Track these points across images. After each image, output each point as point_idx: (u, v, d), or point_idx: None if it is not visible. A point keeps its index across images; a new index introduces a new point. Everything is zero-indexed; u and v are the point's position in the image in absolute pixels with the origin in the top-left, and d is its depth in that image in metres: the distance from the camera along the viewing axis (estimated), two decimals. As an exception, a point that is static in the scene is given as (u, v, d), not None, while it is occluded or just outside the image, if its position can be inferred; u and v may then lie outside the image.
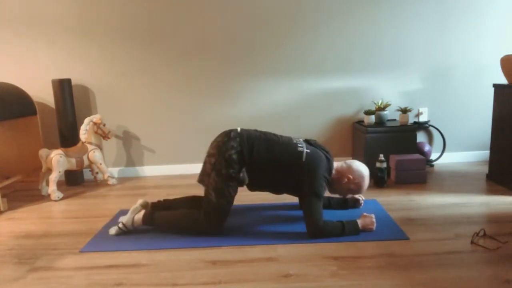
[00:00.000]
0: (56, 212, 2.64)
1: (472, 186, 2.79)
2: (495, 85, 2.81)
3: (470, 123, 3.45)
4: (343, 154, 3.47)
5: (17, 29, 3.22)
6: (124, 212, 2.52)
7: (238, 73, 3.33)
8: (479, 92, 3.40)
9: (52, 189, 2.86)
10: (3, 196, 2.92)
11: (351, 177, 2.19)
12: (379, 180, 2.86)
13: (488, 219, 2.22)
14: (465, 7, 3.26)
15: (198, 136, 3.43)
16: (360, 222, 2.09)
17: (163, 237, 2.12)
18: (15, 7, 3.19)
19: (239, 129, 2.15)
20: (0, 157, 3.24)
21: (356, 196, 2.48)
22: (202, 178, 2.15)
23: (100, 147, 3.19)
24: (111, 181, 3.21)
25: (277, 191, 2.22)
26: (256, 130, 2.20)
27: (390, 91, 3.39)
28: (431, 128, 3.45)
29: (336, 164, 2.24)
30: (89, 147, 3.11)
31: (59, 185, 3.27)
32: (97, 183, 3.28)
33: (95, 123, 3.15)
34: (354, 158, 3.39)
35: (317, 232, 2.01)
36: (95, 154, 3.10)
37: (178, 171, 3.48)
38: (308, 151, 2.12)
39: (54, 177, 2.86)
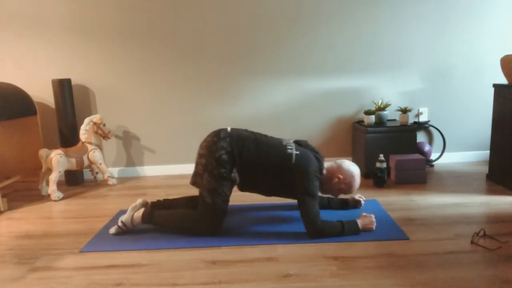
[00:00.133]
0: (56, 212, 2.64)
1: (472, 186, 2.79)
2: (495, 85, 2.81)
3: (470, 123, 3.45)
4: (343, 154, 3.47)
5: (17, 29, 3.22)
6: (124, 212, 2.53)
7: (238, 73, 3.33)
8: (479, 92, 3.40)
9: (52, 189, 2.86)
10: (3, 196, 2.93)
11: (341, 176, 2.17)
12: (379, 180, 2.85)
13: (488, 219, 2.22)
14: (465, 7, 3.26)
15: (198, 136, 3.43)
16: (359, 222, 2.09)
17: (163, 237, 2.12)
18: (15, 7, 3.19)
19: (229, 129, 2.14)
20: (0, 157, 3.24)
21: (357, 197, 2.48)
22: (195, 179, 2.15)
23: (100, 147, 3.19)
24: (111, 181, 3.21)
25: (267, 192, 2.20)
26: (246, 130, 2.19)
27: (390, 91, 3.39)
28: (431, 128, 3.45)
29: (326, 164, 2.22)
30: (89, 147, 3.11)
31: (59, 185, 3.27)
32: (97, 183, 3.28)
33: (95, 123, 3.15)
34: (354, 158, 3.39)
35: (316, 232, 2.01)
36: (95, 154, 3.10)
37: (178, 171, 3.48)
38: (298, 152, 2.10)
39: (54, 177, 2.86)
